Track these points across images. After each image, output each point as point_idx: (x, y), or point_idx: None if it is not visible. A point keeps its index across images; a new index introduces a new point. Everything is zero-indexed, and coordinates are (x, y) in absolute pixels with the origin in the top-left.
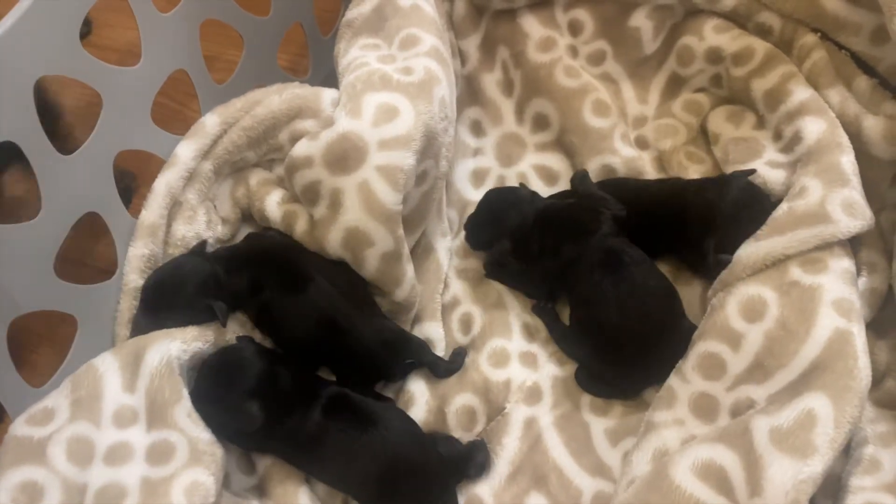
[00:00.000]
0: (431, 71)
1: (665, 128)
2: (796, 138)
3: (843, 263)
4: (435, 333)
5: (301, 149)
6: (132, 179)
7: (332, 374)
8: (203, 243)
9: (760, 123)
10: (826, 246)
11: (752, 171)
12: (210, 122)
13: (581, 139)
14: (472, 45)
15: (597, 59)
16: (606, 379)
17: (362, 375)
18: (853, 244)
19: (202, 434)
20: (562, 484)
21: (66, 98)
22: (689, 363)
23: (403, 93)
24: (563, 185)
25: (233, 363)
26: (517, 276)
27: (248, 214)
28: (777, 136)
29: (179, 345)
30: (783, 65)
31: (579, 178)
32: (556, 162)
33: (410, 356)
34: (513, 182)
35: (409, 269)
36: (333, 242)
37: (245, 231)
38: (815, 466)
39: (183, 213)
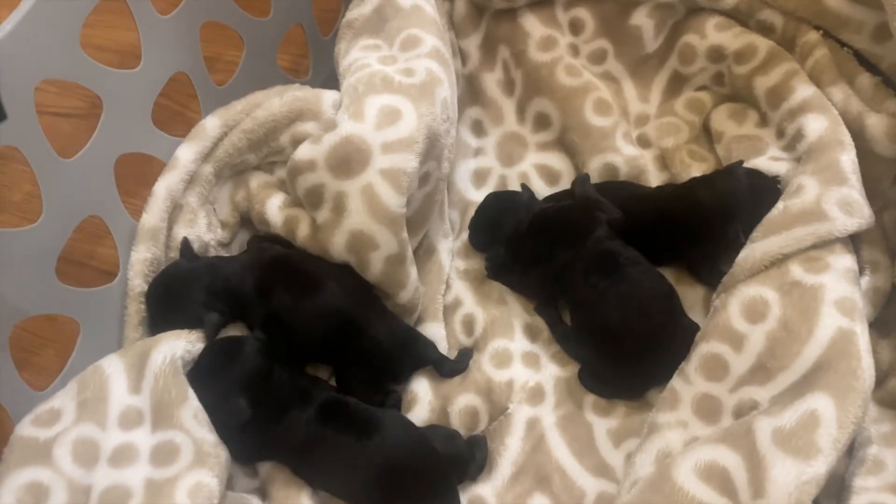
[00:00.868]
0: (433, 72)
1: (667, 126)
2: (798, 136)
3: (845, 262)
4: (436, 334)
5: (304, 152)
6: None
7: (340, 377)
8: (187, 242)
9: (763, 121)
10: (827, 245)
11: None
12: (210, 124)
13: (582, 138)
14: (472, 44)
15: (598, 57)
16: (609, 379)
17: (375, 376)
18: (855, 243)
19: (207, 435)
20: (565, 484)
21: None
22: (692, 364)
23: (405, 95)
24: (565, 184)
25: (230, 354)
26: (517, 279)
27: (246, 218)
28: (780, 133)
29: (184, 344)
30: (786, 62)
31: (580, 181)
32: (557, 161)
33: (419, 354)
34: (514, 182)
35: (412, 271)
36: (338, 246)
37: (243, 234)
38: (819, 467)
39: (184, 216)
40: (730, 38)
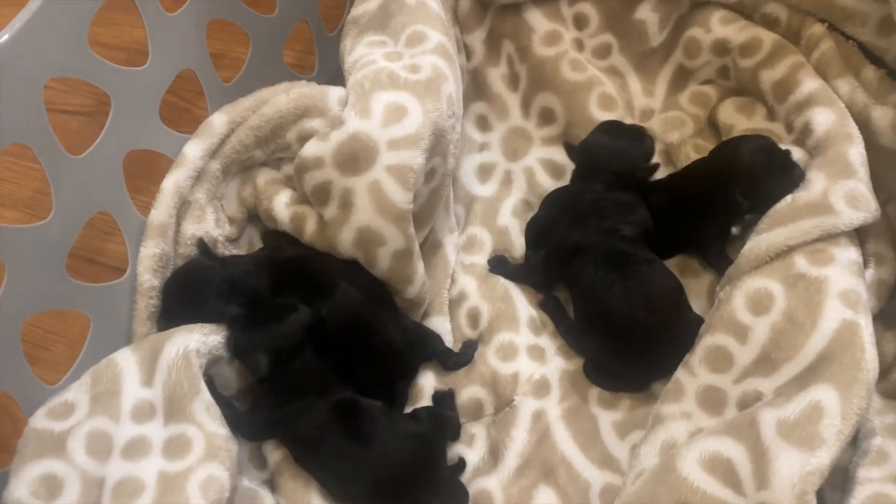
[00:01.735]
0: (438, 68)
1: (672, 120)
2: (807, 130)
3: (850, 255)
4: (442, 327)
5: (311, 149)
6: None
7: (352, 377)
8: (203, 242)
9: (771, 115)
10: (832, 237)
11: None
12: (217, 121)
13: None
14: (477, 39)
15: (603, 52)
16: (614, 372)
17: (386, 374)
18: (860, 235)
19: (219, 429)
20: (570, 477)
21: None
22: (697, 356)
23: (411, 91)
24: (570, 178)
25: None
26: (517, 268)
27: (254, 214)
28: (789, 127)
29: (198, 337)
30: (791, 55)
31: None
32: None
33: (428, 349)
34: (519, 177)
35: (419, 266)
36: (345, 242)
37: (251, 230)
38: (823, 458)
39: (192, 212)
40: (735, 31)
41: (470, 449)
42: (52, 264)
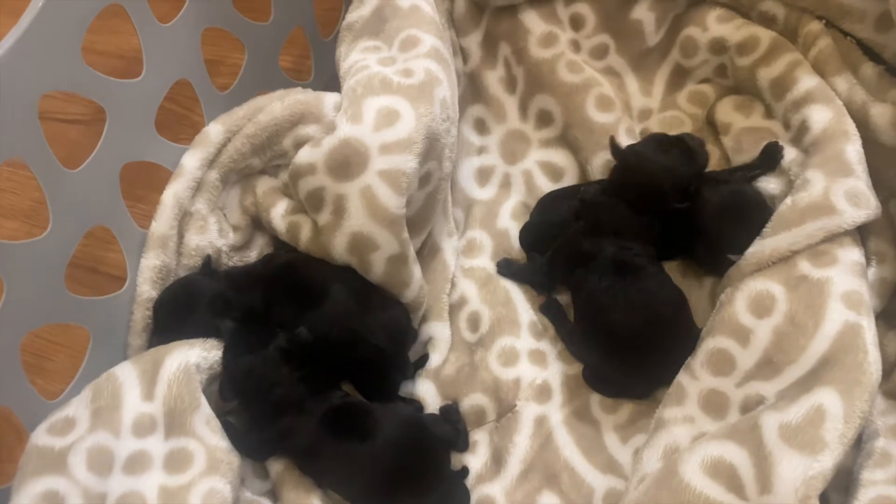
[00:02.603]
0: (432, 72)
1: (670, 120)
2: (804, 128)
3: (852, 255)
4: (442, 333)
5: (304, 156)
6: None
7: (355, 383)
8: (209, 259)
9: (769, 113)
10: (834, 238)
11: (756, 174)
12: (214, 131)
13: (585, 135)
14: (473, 42)
15: (599, 52)
16: (614, 380)
17: (381, 375)
18: (862, 233)
19: (220, 442)
20: (573, 482)
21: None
22: (698, 360)
23: (404, 95)
24: (569, 180)
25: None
26: (522, 271)
27: (258, 221)
28: (786, 125)
29: (199, 352)
30: (789, 53)
31: None
32: (560, 158)
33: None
34: (518, 180)
35: (416, 270)
36: (339, 248)
37: (258, 237)
38: (825, 462)
39: (194, 223)
40: (731, 29)
41: (473, 455)
42: (50, 279)
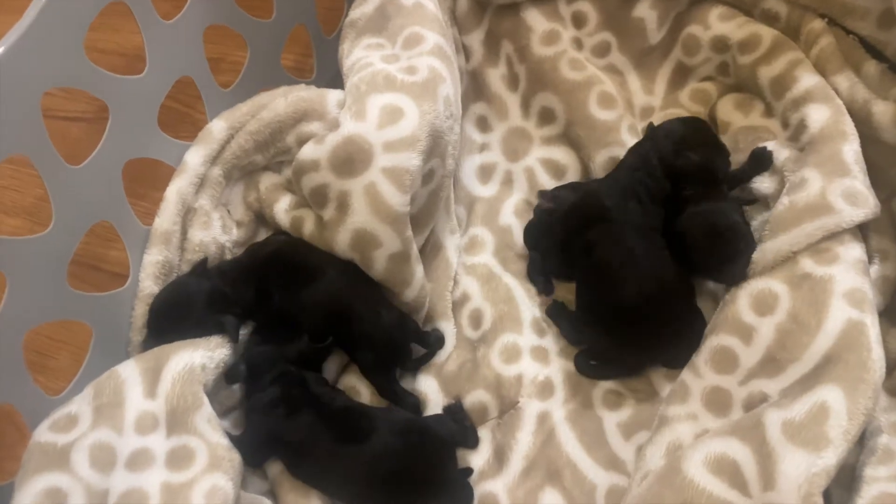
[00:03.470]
0: (435, 69)
1: (672, 118)
2: (801, 126)
3: (854, 253)
4: (446, 331)
5: (307, 152)
6: None
7: (356, 363)
8: (204, 261)
9: (769, 111)
10: (836, 236)
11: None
12: (217, 127)
13: (587, 132)
14: (475, 40)
15: (602, 50)
16: (610, 356)
17: (381, 360)
18: (863, 232)
19: (221, 440)
20: (576, 479)
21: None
22: (702, 357)
23: (408, 93)
24: (571, 177)
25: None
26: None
27: (262, 217)
28: (784, 123)
29: (204, 352)
30: (790, 51)
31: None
32: (563, 155)
33: (411, 332)
34: (520, 177)
35: (418, 269)
36: (342, 244)
37: (262, 232)
38: (829, 459)
39: (198, 219)
40: (733, 27)
41: (475, 452)
42: (53, 275)
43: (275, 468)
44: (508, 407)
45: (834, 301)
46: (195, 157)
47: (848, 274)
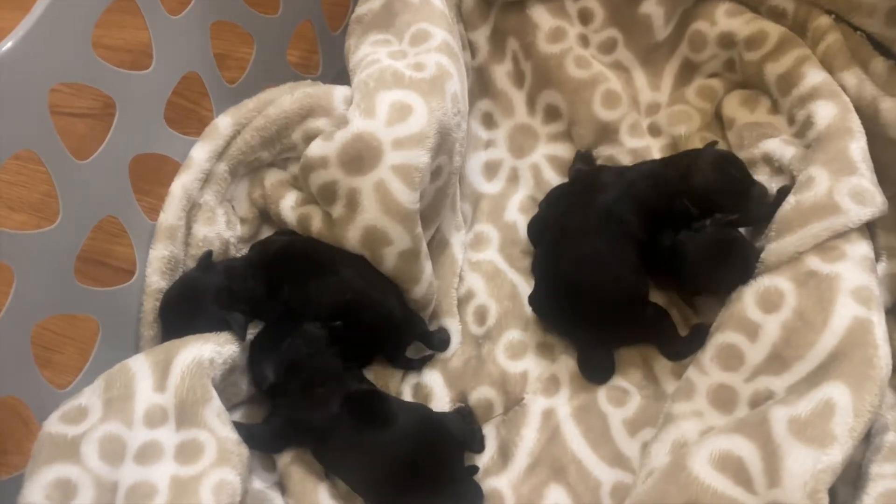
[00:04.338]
0: (443, 66)
1: (679, 114)
2: (808, 123)
3: (861, 250)
4: (451, 328)
5: (316, 149)
6: None
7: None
8: (209, 254)
9: (775, 108)
10: (843, 234)
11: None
12: (223, 123)
13: (589, 131)
14: (481, 36)
15: (608, 47)
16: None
17: (378, 347)
18: (870, 229)
19: (230, 434)
20: (581, 475)
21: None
22: (708, 355)
23: (416, 90)
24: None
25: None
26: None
27: (266, 214)
28: (790, 120)
29: (213, 347)
30: (797, 48)
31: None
32: (568, 152)
33: (415, 329)
34: (526, 174)
35: (427, 266)
36: (352, 241)
37: (265, 229)
38: (835, 456)
39: (202, 214)
40: (740, 24)
41: None
42: (60, 269)
43: (284, 459)
44: (513, 403)
45: (840, 298)
46: (201, 153)
47: (855, 271)
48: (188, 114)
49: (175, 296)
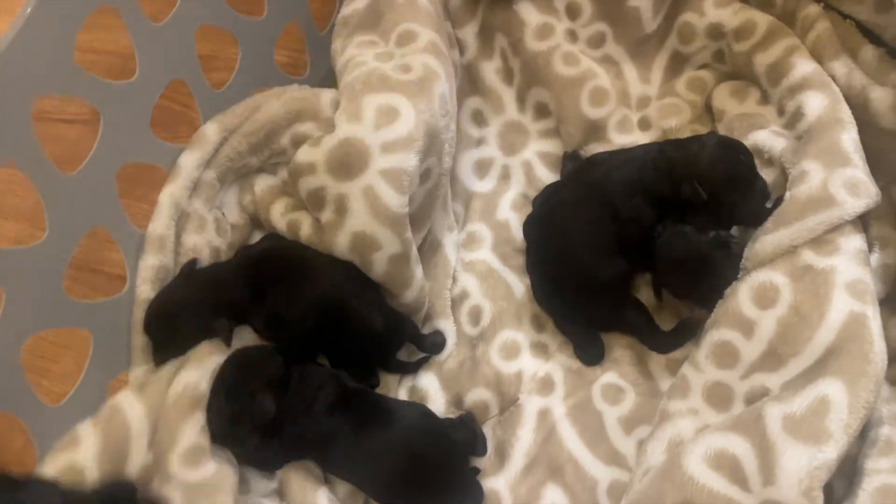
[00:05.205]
0: (430, 67)
1: (669, 107)
2: (798, 114)
3: (855, 243)
4: (446, 330)
5: (303, 155)
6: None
7: (333, 360)
8: (193, 262)
9: (765, 99)
10: (837, 227)
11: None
12: (210, 130)
13: (577, 129)
14: (469, 33)
15: (597, 41)
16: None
17: (363, 358)
18: (863, 219)
19: (204, 471)
20: (577, 474)
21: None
22: (703, 352)
23: (403, 92)
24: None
25: (253, 358)
26: None
27: (257, 220)
28: (780, 111)
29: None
30: (786, 38)
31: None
32: (559, 148)
33: (406, 333)
34: (517, 171)
35: (417, 270)
36: (341, 247)
37: (256, 235)
38: (830, 453)
39: (192, 222)
40: (729, 14)
41: None
42: (49, 284)
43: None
44: (509, 404)
45: (836, 293)
46: (189, 161)
47: (849, 265)
48: (176, 118)
49: (157, 310)
